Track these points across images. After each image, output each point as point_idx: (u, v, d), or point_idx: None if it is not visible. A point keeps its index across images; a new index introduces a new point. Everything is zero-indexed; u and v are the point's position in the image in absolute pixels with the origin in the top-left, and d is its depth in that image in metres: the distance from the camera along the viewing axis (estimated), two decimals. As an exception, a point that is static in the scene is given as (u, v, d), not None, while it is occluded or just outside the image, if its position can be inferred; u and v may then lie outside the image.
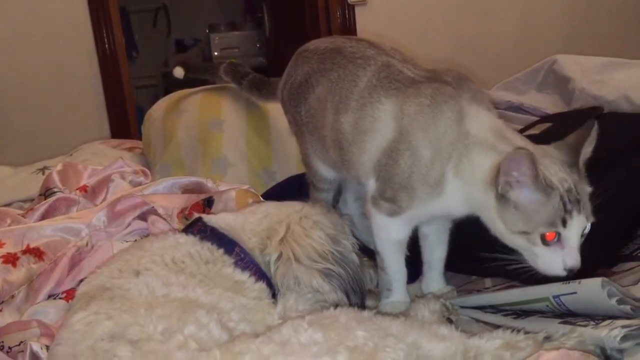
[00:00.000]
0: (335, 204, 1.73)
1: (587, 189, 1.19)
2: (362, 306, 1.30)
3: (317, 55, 1.53)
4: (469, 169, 1.23)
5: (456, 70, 1.37)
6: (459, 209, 1.29)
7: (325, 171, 1.60)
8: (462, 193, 1.26)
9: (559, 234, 1.13)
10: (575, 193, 1.14)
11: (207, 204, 1.70)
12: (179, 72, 2.26)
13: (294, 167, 2.08)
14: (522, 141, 1.23)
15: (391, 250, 1.39)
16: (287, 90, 1.63)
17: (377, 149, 1.34)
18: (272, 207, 1.40)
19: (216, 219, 1.34)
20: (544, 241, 1.14)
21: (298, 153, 2.10)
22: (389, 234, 1.38)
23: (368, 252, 1.45)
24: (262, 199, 1.74)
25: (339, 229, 1.35)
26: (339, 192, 1.73)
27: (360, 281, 1.32)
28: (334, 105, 1.42)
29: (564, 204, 1.12)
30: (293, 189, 1.83)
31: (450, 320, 1.30)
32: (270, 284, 1.26)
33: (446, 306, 1.34)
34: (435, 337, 1.10)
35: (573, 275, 1.17)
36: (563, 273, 1.15)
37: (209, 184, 1.83)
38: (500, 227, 1.19)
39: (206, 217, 1.34)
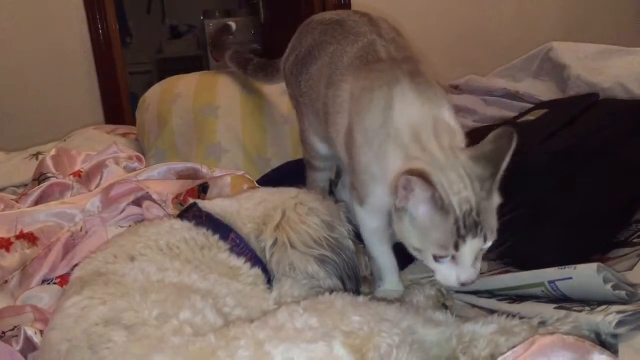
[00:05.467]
0: (333, 188, 1.73)
1: (495, 203, 1.13)
2: (357, 292, 1.30)
3: (321, 26, 1.52)
4: (384, 162, 1.21)
5: (417, 60, 1.34)
6: None
7: (320, 147, 1.60)
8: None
9: (453, 255, 1.12)
10: (475, 215, 1.09)
11: (202, 190, 1.69)
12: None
13: (289, 153, 2.08)
14: (436, 146, 1.15)
15: (371, 239, 1.39)
16: (291, 62, 1.62)
17: (343, 133, 1.34)
18: (267, 193, 1.39)
19: (211, 205, 1.33)
20: (437, 259, 1.13)
21: (293, 139, 2.11)
22: (364, 222, 1.37)
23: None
24: (257, 185, 1.73)
25: (334, 215, 1.35)
26: (337, 176, 1.73)
27: (355, 267, 1.32)
28: (326, 79, 1.41)
29: (458, 229, 1.08)
30: (289, 175, 1.83)
31: (445, 306, 1.31)
32: (265, 270, 1.26)
33: (441, 291, 1.34)
34: (430, 322, 1.10)
35: (567, 261, 1.17)
36: (458, 286, 1.17)
37: (204, 169, 1.83)
38: (399, 235, 1.18)
39: (201, 203, 1.33)
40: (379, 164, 1.22)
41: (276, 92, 2.20)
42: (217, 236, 1.24)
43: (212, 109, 2.16)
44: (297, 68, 1.57)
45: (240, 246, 1.24)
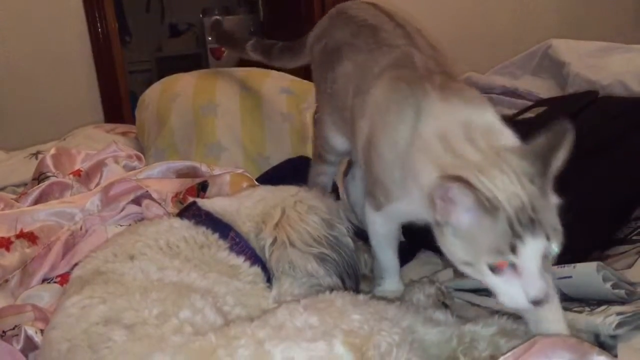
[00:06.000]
0: (343, 178, 1.73)
1: (553, 202, 0.99)
2: (356, 290, 1.30)
3: (355, 25, 1.44)
4: (413, 177, 1.09)
5: (453, 74, 1.26)
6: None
7: (337, 141, 1.55)
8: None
9: (512, 262, 0.94)
10: (530, 211, 0.94)
11: (202, 188, 1.69)
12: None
13: (288, 151, 2.08)
14: (470, 150, 1.03)
15: (378, 242, 1.37)
16: (319, 49, 1.57)
17: (364, 137, 1.30)
18: (266, 191, 1.39)
19: (211, 203, 1.33)
20: (496, 271, 0.95)
21: (293, 137, 2.11)
22: (375, 227, 1.35)
23: (363, 236, 1.45)
24: (256, 183, 1.73)
25: (333, 213, 1.34)
26: (349, 166, 1.71)
27: (355, 265, 1.32)
28: (353, 87, 1.35)
29: (512, 227, 0.93)
30: (288, 172, 1.83)
31: (445, 305, 1.31)
32: (265, 268, 1.26)
33: (441, 290, 1.34)
34: (430, 321, 1.11)
35: (566, 260, 1.15)
36: (529, 306, 0.96)
37: (204, 168, 1.83)
38: (444, 251, 1.02)
39: (200, 202, 1.34)
40: (407, 179, 1.13)
41: (275, 90, 2.20)
42: (216, 235, 1.24)
43: (212, 107, 2.16)
44: (324, 61, 1.52)
45: (240, 245, 1.24)
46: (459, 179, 0.93)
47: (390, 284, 1.40)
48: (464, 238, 0.97)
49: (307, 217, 1.28)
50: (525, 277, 0.94)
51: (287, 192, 1.35)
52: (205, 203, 1.33)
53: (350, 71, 1.39)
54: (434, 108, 1.11)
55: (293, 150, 2.08)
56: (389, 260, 1.39)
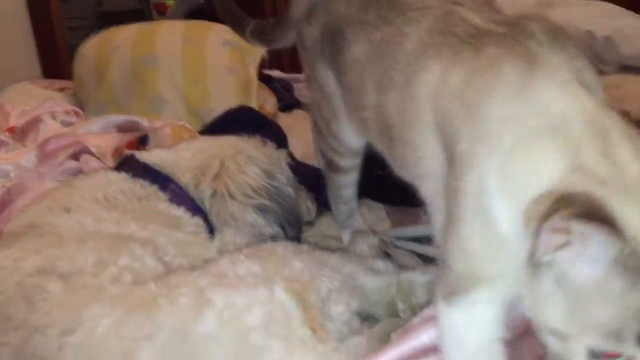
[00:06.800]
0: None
1: None
2: (298, 238, 1.31)
3: None
4: (518, 172, 0.70)
5: (547, 21, 0.82)
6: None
7: (355, 139, 1.20)
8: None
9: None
10: None
11: (142, 142, 1.67)
12: None
13: (232, 104, 2.05)
14: (629, 155, 0.66)
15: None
16: (317, 31, 1.16)
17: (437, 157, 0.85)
18: (205, 142, 1.37)
19: (148, 156, 1.31)
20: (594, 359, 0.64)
21: (237, 90, 2.08)
22: (458, 337, 0.81)
23: (306, 183, 1.42)
24: (198, 135, 1.71)
25: (274, 162, 1.34)
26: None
27: (296, 214, 1.33)
28: (376, 80, 0.97)
29: None
30: (229, 123, 1.80)
31: (387, 255, 1.32)
32: (207, 219, 1.25)
33: (384, 240, 1.36)
34: (371, 270, 1.13)
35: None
36: None
37: (145, 122, 1.80)
38: (525, 304, 0.70)
39: (138, 154, 1.31)
40: (503, 177, 0.71)
41: (218, 43, 2.16)
42: (155, 187, 1.22)
43: (153, 59, 2.11)
44: (328, 47, 1.13)
45: (180, 196, 1.23)
46: (605, 219, 0.60)
47: None
48: (570, 295, 0.64)
49: (247, 168, 1.27)
50: None
51: (226, 142, 1.34)
52: (143, 155, 1.31)
53: (362, 57, 1.01)
54: (563, 75, 0.74)
55: (236, 103, 2.05)
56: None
